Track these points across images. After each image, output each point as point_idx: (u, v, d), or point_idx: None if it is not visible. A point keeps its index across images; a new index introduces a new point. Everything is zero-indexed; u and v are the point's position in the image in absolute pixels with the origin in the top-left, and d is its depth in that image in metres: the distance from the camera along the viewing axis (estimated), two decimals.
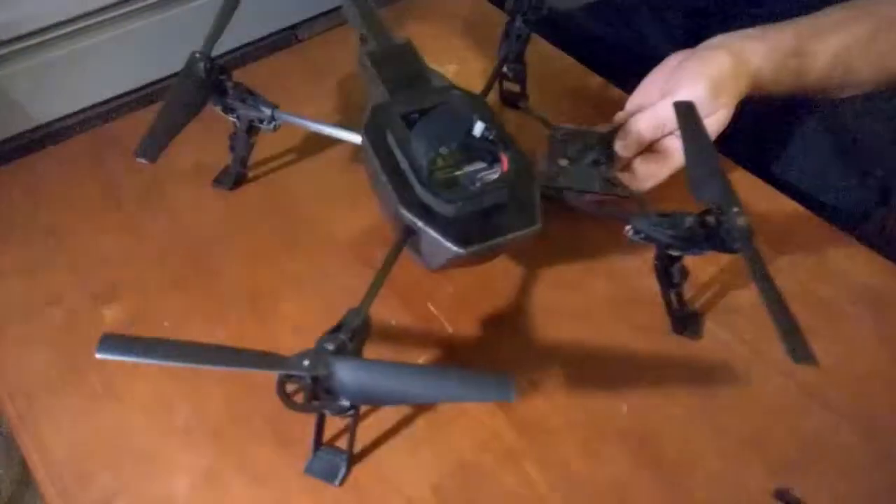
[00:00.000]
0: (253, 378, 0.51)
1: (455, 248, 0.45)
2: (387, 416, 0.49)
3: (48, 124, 0.72)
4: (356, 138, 0.53)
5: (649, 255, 0.58)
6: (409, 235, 0.47)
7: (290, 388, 0.40)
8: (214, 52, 0.55)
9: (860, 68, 0.59)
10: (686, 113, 0.50)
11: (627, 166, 0.58)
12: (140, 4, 0.72)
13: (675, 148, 0.57)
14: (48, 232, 0.61)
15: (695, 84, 0.55)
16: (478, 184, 0.46)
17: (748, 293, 0.56)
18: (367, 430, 0.49)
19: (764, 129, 0.68)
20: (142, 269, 0.58)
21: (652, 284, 0.56)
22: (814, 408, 0.50)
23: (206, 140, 0.63)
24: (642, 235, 0.49)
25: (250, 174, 0.64)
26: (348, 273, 0.57)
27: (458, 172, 0.47)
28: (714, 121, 0.56)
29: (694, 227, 0.46)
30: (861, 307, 0.55)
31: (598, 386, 0.52)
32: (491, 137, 0.46)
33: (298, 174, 0.65)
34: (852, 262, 0.58)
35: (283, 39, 0.84)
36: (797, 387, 0.51)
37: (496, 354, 0.53)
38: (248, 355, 0.40)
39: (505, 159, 0.46)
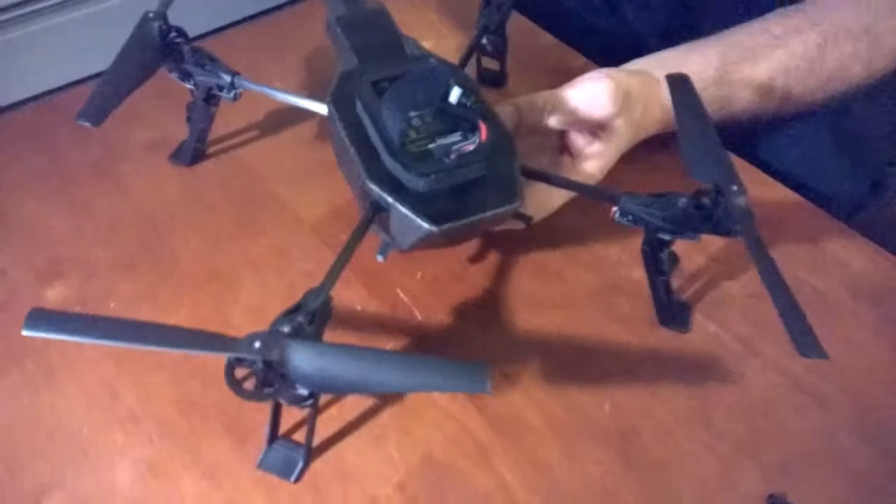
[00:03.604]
0: (205, 366, 0.47)
1: (426, 226, 0.41)
2: (349, 407, 0.45)
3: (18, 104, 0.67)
4: (322, 108, 0.49)
5: (634, 244, 0.55)
6: (376, 212, 0.43)
7: (240, 373, 0.36)
8: (191, 32, 0.50)
9: (803, 91, 0.55)
10: (680, 85, 0.47)
11: (567, 151, 0.53)
12: None
13: (618, 126, 0.51)
14: None
15: (595, 78, 0.50)
16: (453, 156, 0.42)
17: (739, 284, 0.53)
18: (328, 421, 0.45)
19: None
20: (89, 248, 0.54)
21: (637, 275, 0.53)
22: (809, 407, 0.47)
23: (163, 114, 0.58)
24: (630, 218, 0.46)
25: (209, 150, 0.60)
26: (312, 257, 0.53)
27: (432, 145, 0.43)
28: (616, 135, 0.51)
29: (688, 207, 0.43)
30: (859, 300, 0.52)
31: (579, 381, 0.48)
32: (469, 104, 0.42)
33: (261, 151, 0.60)
34: (849, 252, 0.55)
35: None
36: (791, 384, 0.48)
37: (468, 345, 0.49)
38: (192, 336, 0.35)
39: (483, 128, 0.42)
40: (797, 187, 0.59)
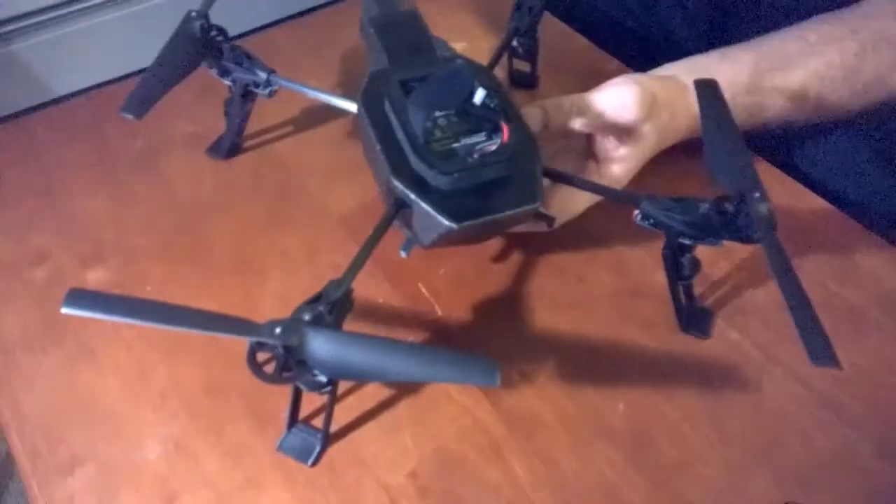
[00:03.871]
0: (233, 351, 0.48)
1: (447, 223, 0.42)
2: (367, 396, 0.46)
3: (66, 97, 0.71)
4: (353, 107, 0.51)
5: (659, 249, 0.55)
6: (400, 208, 0.45)
7: (261, 357, 0.37)
8: (232, 31, 0.53)
9: (838, 99, 0.54)
10: (707, 91, 0.47)
11: (593, 155, 0.53)
12: None
13: (645, 131, 0.51)
14: (40, 192, 0.60)
15: (622, 83, 0.50)
16: (476, 156, 0.43)
17: (765, 293, 0.53)
18: (346, 409, 0.46)
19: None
20: (129, 235, 0.56)
21: (661, 279, 0.53)
22: (830, 421, 0.46)
23: (202, 109, 0.61)
24: (651, 221, 0.46)
25: (245, 145, 0.62)
26: (339, 250, 0.54)
27: (456, 144, 0.44)
28: (643, 140, 0.51)
29: (709, 213, 0.43)
30: (889, 314, 0.51)
31: (594, 382, 0.48)
32: (492, 106, 0.43)
33: (295, 147, 0.62)
34: (882, 266, 0.54)
35: None
36: (813, 397, 0.47)
37: (487, 342, 0.50)
38: (218, 319, 0.37)
39: (506, 129, 0.43)
40: (836, 198, 0.58)
